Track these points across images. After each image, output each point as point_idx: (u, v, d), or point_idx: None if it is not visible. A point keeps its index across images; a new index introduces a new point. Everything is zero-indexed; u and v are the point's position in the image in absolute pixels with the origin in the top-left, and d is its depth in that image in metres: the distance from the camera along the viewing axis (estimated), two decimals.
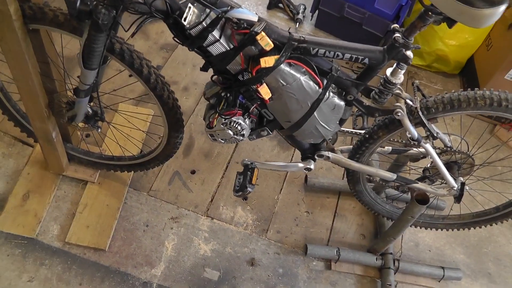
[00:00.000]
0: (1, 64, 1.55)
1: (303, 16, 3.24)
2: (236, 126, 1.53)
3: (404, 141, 1.73)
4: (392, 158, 2.02)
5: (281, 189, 2.27)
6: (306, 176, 2.28)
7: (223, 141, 1.63)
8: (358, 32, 2.98)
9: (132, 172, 2.11)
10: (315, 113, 1.46)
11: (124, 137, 2.09)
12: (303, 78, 1.38)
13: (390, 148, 1.84)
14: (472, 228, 2.11)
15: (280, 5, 3.31)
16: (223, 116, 1.51)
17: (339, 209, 2.27)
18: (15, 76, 1.56)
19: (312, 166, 1.72)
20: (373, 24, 2.91)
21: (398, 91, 1.50)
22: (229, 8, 1.27)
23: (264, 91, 1.38)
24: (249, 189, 1.68)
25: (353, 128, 1.79)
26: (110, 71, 2.40)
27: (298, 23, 3.20)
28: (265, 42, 1.28)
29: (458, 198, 1.79)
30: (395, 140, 1.76)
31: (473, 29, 2.84)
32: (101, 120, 1.77)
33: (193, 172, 2.25)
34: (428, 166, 1.86)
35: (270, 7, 3.31)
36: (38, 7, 1.40)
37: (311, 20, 3.26)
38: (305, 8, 3.26)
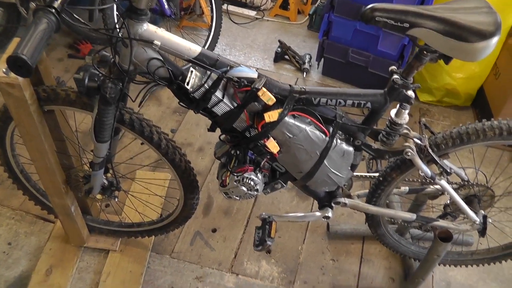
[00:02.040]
0: (20, 146, 1.61)
1: (310, 65, 3.31)
2: (249, 182, 1.54)
3: (419, 180, 1.72)
4: (411, 198, 2.00)
5: (304, 239, 2.25)
6: (328, 224, 2.26)
7: (238, 198, 1.64)
8: (365, 75, 3.03)
9: (153, 236, 2.12)
10: (325, 161, 1.48)
11: (142, 203, 2.12)
12: (309, 128, 1.40)
13: (407, 188, 1.83)
14: (504, 262, 2.05)
15: (286, 57, 3.39)
16: (235, 174, 1.53)
17: (365, 254, 2.23)
18: (32, 156, 1.61)
19: (330, 214, 1.72)
20: (378, 66, 2.96)
21: (405, 131, 1.51)
22: (228, 68, 1.31)
23: (272, 145, 1.41)
24: (268, 242, 1.67)
25: (368, 172, 1.79)
26: (126, 139, 2.47)
27: (305, 73, 3.26)
28: (267, 97, 1.32)
29: (482, 232, 1.76)
30: (411, 180, 1.76)
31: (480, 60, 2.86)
32: (117, 189, 1.81)
33: (214, 230, 2.25)
34: (448, 202, 1.84)
35: (276, 60, 3.39)
36: (51, 89, 1.46)
37: (317, 68, 3.33)
38: (310, 58, 3.33)
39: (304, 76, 3.26)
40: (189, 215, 1.91)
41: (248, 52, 3.49)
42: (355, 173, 1.73)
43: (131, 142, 2.15)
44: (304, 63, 3.29)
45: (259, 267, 2.12)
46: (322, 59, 3.22)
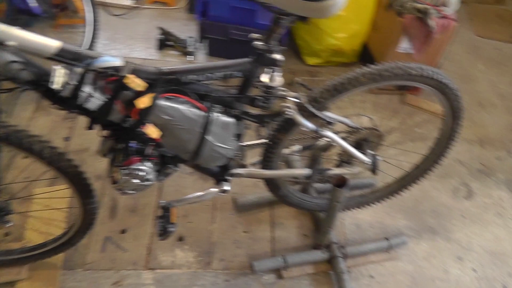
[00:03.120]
0: None
1: (194, 48, 3.28)
2: (139, 173, 1.51)
3: (307, 136, 1.78)
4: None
5: (214, 218, 2.26)
6: (234, 198, 2.29)
7: (134, 192, 1.60)
8: (249, 49, 3.03)
9: (62, 253, 2.03)
10: (208, 137, 1.48)
11: (44, 222, 2.02)
12: (185, 107, 1.39)
13: (300, 146, 1.89)
14: (406, 193, 2.20)
15: (170, 43, 3.33)
16: (122, 168, 1.49)
17: (275, 219, 2.29)
18: None
19: (227, 188, 1.73)
20: None
21: (282, 92, 1.54)
22: (91, 60, 1.27)
23: (152, 131, 1.39)
24: (171, 229, 1.67)
25: (258, 139, 1.82)
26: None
27: (191, 56, 3.23)
28: (136, 83, 1.29)
29: (373, 170, 1.86)
30: (299, 138, 1.81)
31: (358, 18, 3.06)
32: (8, 213, 1.70)
33: (123, 231, 2.19)
34: (340, 151, 1.92)
35: (160, 47, 3.33)
36: None
37: (202, 50, 3.31)
38: (194, 40, 3.30)
39: (190, 59, 3.23)
40: (92, 221, 1.84)
41: (131, 44, 3.39)
42: (245, 143, 1.76)
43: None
44: (188, 46, 3.26)
45: (174, 256, 2.10)
46: (205, 40, 3.20)
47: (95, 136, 2.54)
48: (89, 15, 2.94)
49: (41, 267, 2.00)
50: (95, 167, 2.44)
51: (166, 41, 3.34)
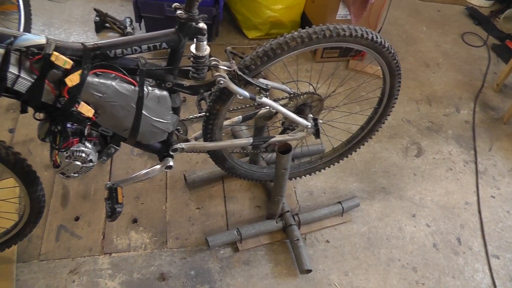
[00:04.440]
0: None
1: (132, 28, 3.22)
2: (79, 154, 1.48)
3: (245, 106, 1.79)
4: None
5: (166, 198, 2.26)
6: (184, 175, 2.29)
7: (77, 175, 1.58)
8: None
9: (14, 245, 2.00)
10: (144, 112, 1.46)
11: None
12: (115, 83, 1.37)
13: (241, 117, 1.90)
14: (357, 156, 2.25)
15: (107, 25, 3.26)
16: (62, 150, 1.47)
17: (227, 193, 2.30)
18: None
19: (171, 163, 1.73)
20: None
21: (214, 62, 1.54)
22: (12, 39, 1.23)
23: (85, 109, 1.36)
24: (118, 209, 1.66)
25: (199, 113, 1.82)
26: None
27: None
28: (62, 61, 1.26)
29: (316, 134, 1.88)
30: (238, 108, 1.82)
31: None
32: None
33: (77, 218, 2.17)
34: (283, 118, 1.93)
35: (98, 30, 3.25)
36: None
37: (140, 30, 3.26)
38: (131, 20, 3.24)
39: None
40: (41, 210, 1.81)
41: (68, 28, 3.30)
42: (185, 117, 1.75)
43: None
44: (126, 27, 3.20)
45: (129, 239, 2.10)
46: (142, 19, 3.14)
47: None
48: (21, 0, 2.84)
49: None
50: (43, 156, 2.39)
51: (104, 23, 3.26)
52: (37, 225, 1.88)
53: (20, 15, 2.83)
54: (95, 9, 3.25)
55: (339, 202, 2.22)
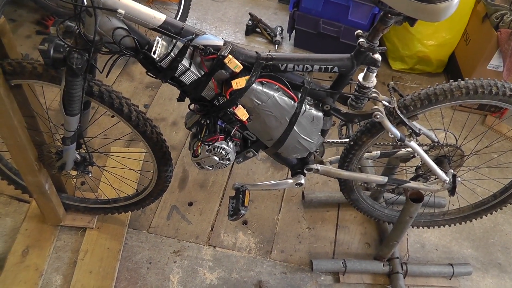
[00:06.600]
0: None
1: (281, 37, 3.29)
2: (220, 151, 1.55)
3: (390, 143, 1.75)
4: (385, 162, 2.03)
5: (280, 209, 2.27)
6: (303, 193, 2.28)
7: (211, 168, 1.64)
8: (337, 45, 3.03)
9: (130, 212, 2.12)
10: (295, 127, 1.48)
11: (118, 179, 2.11)
12: (277, 95, 1.40)
13: (379, 152, 1.86)
14: (476, 221, 2.11)
15: (258, 29, 3.37)
16: (206, 143, 1.53)
17: (341, 221, 2.27)
18: (2, 133, 1.58)
19: (302, 181, 1.73)
20: (349, 36, 2.95)
21: (374, 94, 1.52)
22: (194, 36, 1.30)
23: (241, 113, 1.41)
24: (242, 211, 1.69)
25: (339, 138, 1.81)
26: (96, 115, 2.43)
27: (277, 45, 3.25)
28: (234, 64, 1.31)
29: (451, 191, 1.79)
30: (382, 143, 1.78)
31: (450, 26, 2.90)
32: (91, 165, 1.79)
33: (190, 204, 2.25)
34: (419, 164, 1.87)
35: (247, 33, 3.37)
36: (17, 62, 1.43)
37: (289, 40, 3.32)
38: (282, 30, 3.32)
39: (276, 48, 3.24)
40: (164, 188, 1.90)
41: (219, 26, 3.45)
42: (326, 140, 1.75)
43: (99, 116, 2.11)
44: (275, 35, 3.28)
45: (236, 238, 2.14)
46: (294, 31, 3.20)
47: (173, 108, 2.66)
48: None
49: (109, 221, 2.11)
50: (170, 137, 2.52)
51: (255, 28, 3.37)
52: (156, 200, 1.98)
53: (179, 7, 3.05)
54: (250, 14, 3.37)
55: (451, 265, 2.10)
